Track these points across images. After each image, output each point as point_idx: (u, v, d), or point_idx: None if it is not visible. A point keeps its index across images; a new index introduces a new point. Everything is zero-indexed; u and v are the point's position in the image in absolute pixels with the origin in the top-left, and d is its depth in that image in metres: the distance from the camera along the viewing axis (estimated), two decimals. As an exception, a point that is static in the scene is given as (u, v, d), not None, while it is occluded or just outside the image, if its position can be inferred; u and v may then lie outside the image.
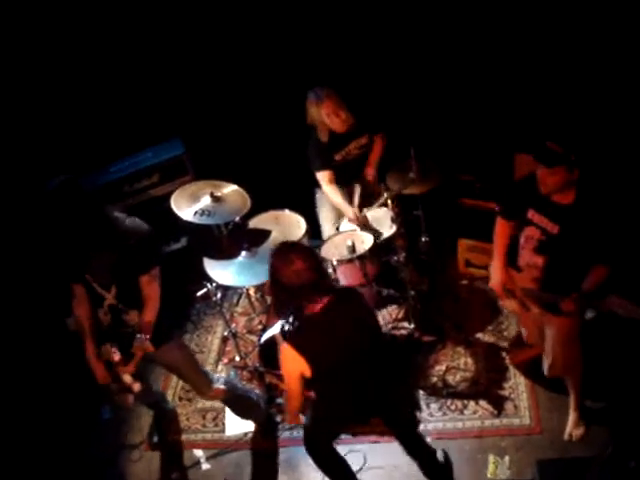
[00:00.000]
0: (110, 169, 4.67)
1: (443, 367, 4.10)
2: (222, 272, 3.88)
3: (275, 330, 3.78)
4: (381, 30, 4.56)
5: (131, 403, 3.35)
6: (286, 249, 2.76)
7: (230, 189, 3.99)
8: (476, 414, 3.86)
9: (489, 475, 3.56)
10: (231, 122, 5.02)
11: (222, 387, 3.81)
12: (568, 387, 3.57)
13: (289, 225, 4.23)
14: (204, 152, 4.89)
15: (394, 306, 4.47)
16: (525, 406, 3.83)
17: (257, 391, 4.12)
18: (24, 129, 4.72)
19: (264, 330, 4.01)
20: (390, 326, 4.36)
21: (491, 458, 3.62)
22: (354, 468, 3.39)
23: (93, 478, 4.00)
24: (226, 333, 4.48)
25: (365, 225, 4.06)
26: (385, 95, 4.57)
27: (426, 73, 4.65)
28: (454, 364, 4.11)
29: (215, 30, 4.70)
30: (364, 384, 3.00)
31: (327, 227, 4.37)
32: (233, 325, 4.48)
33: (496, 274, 3.31)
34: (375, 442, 3.77)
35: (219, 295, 4.12)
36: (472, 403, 3.90)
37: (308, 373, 2.79)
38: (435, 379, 4.05)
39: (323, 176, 4.12)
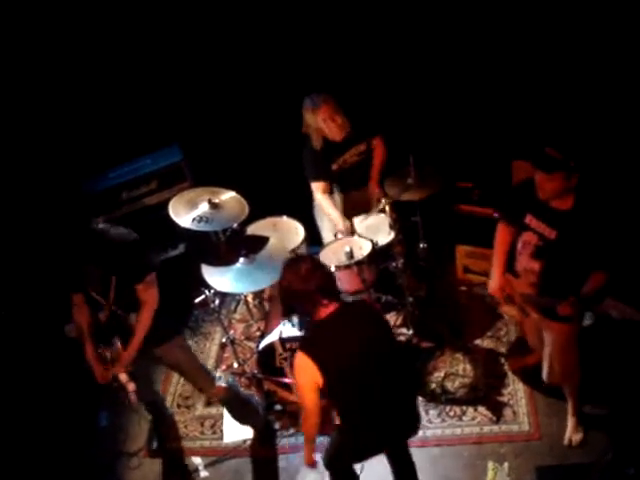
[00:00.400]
0: (109, 175, 4.69)
1: (442, 373, 4.09)
2: (220, 279, 3.87)
3: (273, 337, 3.78)
4: (380, 37, 4.58)
5: (134, 401, 3.36)
6: (294, 259, 2.98)
7: (228, 196, 3.98)
8: (475, 420, 3.85)
9: (488, 482, 3.55)
10: (229, 129, 5.04)
11: (224, 385, 3.86)
12: (565, 393, 3.57)
13: (287, 232, 4.23)
14: (202, 159, 4.90)
15: (392, 312, 4.46)
16: (524, 412, 3.82)
17: (256, 398, 4.11)
18: (25, 135, 4.73)
19: (262, 337, 4.00)
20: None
21: (490, 465, 3.61)
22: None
23: (92, 485, 4.01)
24: (224, 340, 4.47)
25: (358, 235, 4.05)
26: (383, 101, 4.57)
27: (424, 80, 4.66)
28: (453, 370, 4.11)
29: (213, 37, 4.73)
30: (389, 408, 2.89)
31: (327, 234, 4.36)
32: (231, 332, 4.46)
33: (495, 280, 3.31)
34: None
35: (217, 302, 4.12)
36: (471, 409, 3.90)
37: (321, 382, 2.72)
38: (434, 385, 4.04)
39: (317, 187, 4.10)
